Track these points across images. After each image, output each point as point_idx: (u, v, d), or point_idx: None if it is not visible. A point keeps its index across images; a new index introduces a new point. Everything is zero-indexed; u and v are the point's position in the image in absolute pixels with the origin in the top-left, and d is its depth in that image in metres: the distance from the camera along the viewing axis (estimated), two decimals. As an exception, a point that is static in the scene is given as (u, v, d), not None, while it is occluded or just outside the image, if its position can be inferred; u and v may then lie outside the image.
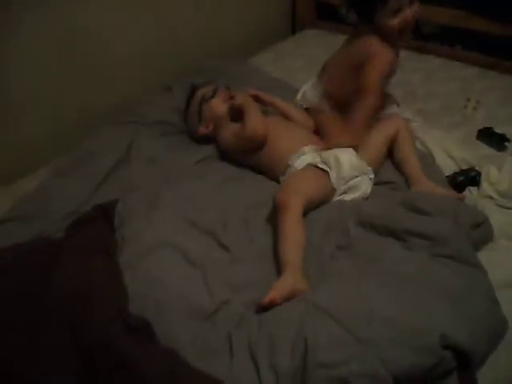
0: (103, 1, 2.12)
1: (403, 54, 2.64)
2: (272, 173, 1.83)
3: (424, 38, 2.75)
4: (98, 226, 1.54)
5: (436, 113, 2.17)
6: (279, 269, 1.46)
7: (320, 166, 1.70)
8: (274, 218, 1.58)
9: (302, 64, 2.65)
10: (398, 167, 1.82)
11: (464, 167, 1.84)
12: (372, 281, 1.33)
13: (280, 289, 1.33)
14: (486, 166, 1.80)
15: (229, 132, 1.92)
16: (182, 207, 1.64)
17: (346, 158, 1.73)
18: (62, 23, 2.00)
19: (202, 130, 2.01)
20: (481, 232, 1.52)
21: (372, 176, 1.76)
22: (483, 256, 1.45)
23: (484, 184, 1.75)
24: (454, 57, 2.61)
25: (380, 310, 1.22)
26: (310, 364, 1.14)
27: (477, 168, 1.81)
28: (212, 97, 2.00)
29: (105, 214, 1.60)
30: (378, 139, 1.83)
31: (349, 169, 1.71)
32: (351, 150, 1.78)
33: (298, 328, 1.21)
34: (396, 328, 1.19)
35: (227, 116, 1.97)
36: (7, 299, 1.29)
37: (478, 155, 1.90)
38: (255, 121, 1.84)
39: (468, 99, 2.22)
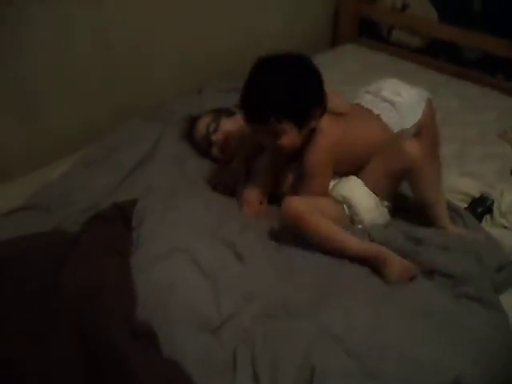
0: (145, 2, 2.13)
1: (442, 78, 2.61)
2: None
3: (465, 64, 2.69)
4: (115, 225, 1.53)
5: (470, 142, 2.11)
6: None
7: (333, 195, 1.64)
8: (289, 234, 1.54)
9: (337, 78, 2.60)
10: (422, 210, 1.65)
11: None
12: (391, 310, 1.28)
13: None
14: (496, 194, 1.75)
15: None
16: (201, 213, 1.62)
17: (361, 201, 1.61)
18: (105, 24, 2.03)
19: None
20: (504, 275, 1.46)
21: (386, 204, 1.65)
22: (505, 299, 1.40)
23: (496, 213, 1.71)
24: (493, 86, 2.55)
25: (395, 346, 1.18)
26: (315, 393, 1.10)
27: (486, 194, 1.77)
28: (208, 145, 1.93)
29: (122, 213, 1.58)
30: (377, 170, 1.64)
31: (365, 214, 1.61)
32: (360, 184, 1.64)
33: (305, 353, 1.17)
34: (409, 366, 1.15)
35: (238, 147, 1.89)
36: (17, 291, 1.28)
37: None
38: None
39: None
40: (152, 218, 1.58)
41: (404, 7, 2.82)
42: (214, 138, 1.91)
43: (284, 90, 1.53)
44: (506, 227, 1.68)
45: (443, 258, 1.45)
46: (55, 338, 1.19)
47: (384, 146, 1.64)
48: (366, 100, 1.80)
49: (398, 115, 1.72)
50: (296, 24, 2.83)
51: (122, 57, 2.14)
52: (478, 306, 1.31)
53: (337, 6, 2.98)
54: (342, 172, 1.70)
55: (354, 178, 1.66)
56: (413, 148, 1.54)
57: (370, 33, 3.00)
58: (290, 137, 1.58)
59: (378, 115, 1.73)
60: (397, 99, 1.74)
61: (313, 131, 1.63)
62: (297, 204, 1.51)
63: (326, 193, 1.65)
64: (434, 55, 2.79)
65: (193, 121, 2.04)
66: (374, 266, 1.45)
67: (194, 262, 1.44)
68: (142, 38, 2.17)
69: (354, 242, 1.47)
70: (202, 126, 1.96)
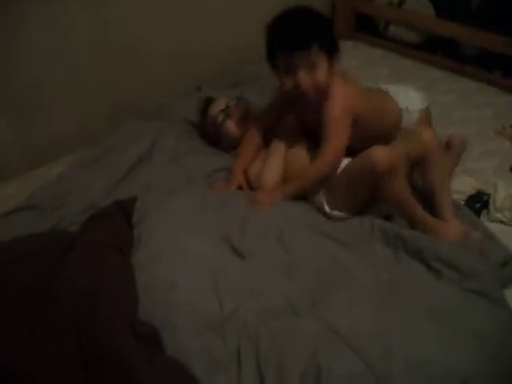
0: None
1: (439, 74, 2.61)
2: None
3: (462, 60, 2.69)
4: (115, 222, 1.52)
5: (468, 138, 2.11)
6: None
7: None
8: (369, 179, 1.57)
9: (335, 74, 2.60)
10: (427, 197, 1.70)
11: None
12: (397, 308, 1.28)
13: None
14: (492, 190, 1.79)
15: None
16: (201, 210, 1.62)
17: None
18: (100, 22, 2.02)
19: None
20: (509, 270, 1.47)
21: None
22: (510, 295, 1.41)
23: (491, 208, 1.74)
24: (490, 82, 2.55)
25: (403, 346, 1.18)
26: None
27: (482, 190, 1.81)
28: (225, 118, 1.97)
29: (123, 211, 1.57)
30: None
31: None
32: None
33: (311, 353, 1.17)
34: (417, 368, 1.14)
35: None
36: (16, 293, 1.27)
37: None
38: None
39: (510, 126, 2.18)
40: (152, 216, 1.58)
41: (401, 3, 2.82)
42: (233, 111, 1.97)
43: (319, 22, 1.70)
44: (502, 222, 1.71)
45: (449, 249, 1.46)
46: (55, 339, 1.18)
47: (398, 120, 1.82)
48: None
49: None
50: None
51: (120, 57, 2.13)
52: (484, 302, 1.31)
53: (334, 2, 2.96)
54: (360, 141, 1.73)
55: None
56: (430, 137, 1.70)
57: (368, 28, 2.99)
58: (321, 71, 1.67)
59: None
60: (402, 88, 1.93)
61: (327, 88, 1.72)
62: (391, 155, 1.55)
63: (344, 144, 1.71)
64: (431, 51, 2.78)
65: (209, 100, 2.07)
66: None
67: (195, 260, 1.43)
68: (140, 38, 2.16)
69: (419, 210, 1.60)
70: (220, 102, 2.01)
